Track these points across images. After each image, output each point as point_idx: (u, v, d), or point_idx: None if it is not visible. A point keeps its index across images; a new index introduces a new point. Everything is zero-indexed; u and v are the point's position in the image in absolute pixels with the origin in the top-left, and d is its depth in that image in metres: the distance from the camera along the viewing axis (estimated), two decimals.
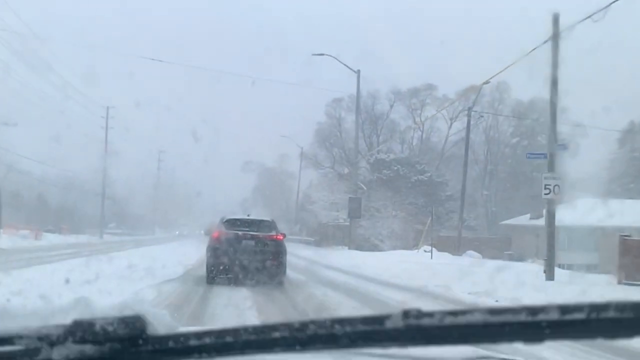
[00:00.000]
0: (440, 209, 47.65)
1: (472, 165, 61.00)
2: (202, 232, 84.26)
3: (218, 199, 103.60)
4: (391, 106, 58.68)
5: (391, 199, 42.47)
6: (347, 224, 41.67)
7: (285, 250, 15.44)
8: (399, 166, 48.13)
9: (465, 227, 44.28)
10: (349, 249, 39.27)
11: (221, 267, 14.85)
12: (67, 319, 1.28)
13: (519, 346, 1.00)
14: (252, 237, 15.13)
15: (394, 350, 1.63)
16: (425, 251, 34.17)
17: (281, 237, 15.79)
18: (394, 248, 37.25)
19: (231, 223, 15.83)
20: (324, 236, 48.78)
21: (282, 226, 59.60)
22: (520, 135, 59.68)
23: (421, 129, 57.39)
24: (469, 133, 36.21)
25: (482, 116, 34.57)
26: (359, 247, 39.18)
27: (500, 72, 28.17)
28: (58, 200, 78.34)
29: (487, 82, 30.54)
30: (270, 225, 16.09)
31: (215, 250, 15.02)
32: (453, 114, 57.19)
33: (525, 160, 60.72)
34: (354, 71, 39.53)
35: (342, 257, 30.88)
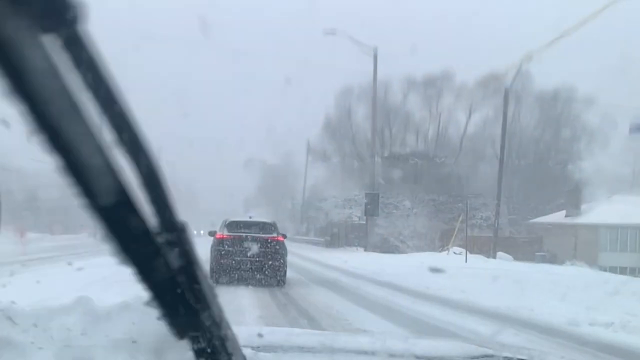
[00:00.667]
0: (462, 206, 43.07)
1: (492, 160, 56.33)
2: (202, 232, 79.51)
3: (219, 197, 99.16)
4: (405, 96, 54.05)
5: (409, 196, 37.81)
6: (363, 222, 37.04)
7: (285, 251, 15.71)
8: (416, 160, 43.46)
9: (489, 227, 39.70)
10: (366, 250, 34.65)
11: (224, 268, 15.14)
12: (69, 318, 1.34)
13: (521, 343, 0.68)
14: (254, 239, 15.37)
15: (396, 348, 1.79)
16: (455, 253, 29.55)
17: (282, 239, 16.03)
18: (418, 249, 32.60)
19: (233, 225, 16.07)
20: (335, 236, 44.09)
21: (287, 226, 55.20)
22: (543, 127, 55.04)
23: (438, 120, 52.69)
24: (507, 112, 31.46)
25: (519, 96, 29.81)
26: (377, 249, 34.57)
27: (552, 42, 23.70)
28: (54, 198, 73.75)
29: (529, 58, 25.94)
30: (271, 227, 16.42)
31: (218, 251, 15.29)
32: (472, 104, 52.52)
33: (548, 155, 56.34)
34: (370, 49, 34.90)
35: (362, 261, 26.24)
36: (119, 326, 1.35)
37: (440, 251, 31.01)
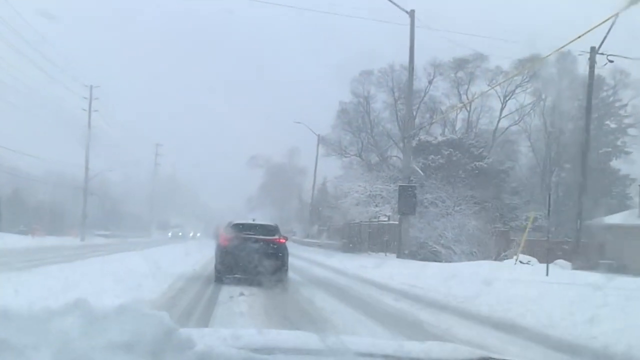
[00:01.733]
0: (499, 203, 35.87)
1: (528, 154, 49.19)
2: (199, 234, 72.06)
3: (221, 197, 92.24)
4: (430, 82, 46.93)
5: (447, 191, 30.65)
6: (393, 222, 29.95)
7: (287, 252, 15.90)
8: (450, 150, 36.30)
9: (536, 229, 32.59)
10: (399, 256, 27.49)
11: (228, 268, 15.33)
12: (67, 320, 1.33)
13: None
14: (257, 240, 15.63)
15: (393, 352, 1.86)
16: (522, 262, 22.44)
17: (283, 240, 16.17)
18: (467, 257, 25.39)
19: (237, 227, 16.34)
20: (355, 239, 36.85)
21: (295, 228, 48.61)
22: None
23: (468, 108, 45.54)
24: (592, 81, 24.33)
25: (611, 61, 22.76)
26: (412, 255, 27.43)
27: None
28: (40, 198, 66.87)
29: (634, 2, 18.77)
30: (273, 229, 16.58)
31: (222, 252, 15.47)
32: (507, 90, 45.37)
33: (591, 147, 49.30)
34: (406, 11, 27.75)
35: (411, 275, 19.02)
36: (116, 328, 1.31)
37: (500, 259, 23.81)
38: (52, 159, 55.56)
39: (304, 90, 79.52)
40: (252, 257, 14.87)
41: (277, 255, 15.46)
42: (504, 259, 23.61)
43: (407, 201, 27.07)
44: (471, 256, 25.01)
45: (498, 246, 25.35)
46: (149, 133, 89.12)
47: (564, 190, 46.97)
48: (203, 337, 1.60)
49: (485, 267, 21.06)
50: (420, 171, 28.11)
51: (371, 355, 1.81)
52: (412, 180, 28.31)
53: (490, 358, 1.98)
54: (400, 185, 27.77)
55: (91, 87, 53.25)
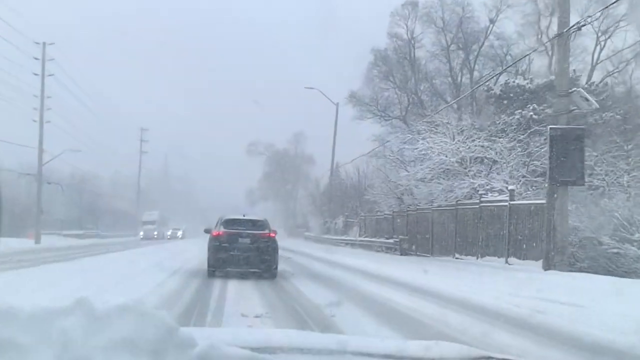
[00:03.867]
0: None
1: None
2: (180, 234, 57.59)
3: (218, 190, 78.65)
4: (492, 22, 33.09)
5: (600, 158, 16.56)
6: (518, 203, 16.05)
7: (277, 246, 15.75)
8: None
9: None
10: (549, 267, 13.56)
11: (220, 262, 15.26)
12: (69, 319, 1.29)
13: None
14: (247, 235, 15.66)
15: (393, 350, 1.71)
16: None
17: (273, 235, 16.08)
18: None
19: (229, 222, 16.31)
20: (421, 236, 22.51)
21: (310, 222, 34.98)
22: None
23: (549, 52, 31.64)
24: None
25: None
26: (571, 264, 13.48)
27: None
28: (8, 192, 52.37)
29: None
30: (263, 224, 16.60)
31: (215, 247, 15.41)
32: (603, 24, 31.40)
33: None
34: None
35: None
36: (118, 328, 1.30)
37: None
38: None
39: (313, 53, 65.74)
40: (243, 251, 15.07)
41: (267, 249, 15.22)
42: None
43: (569, 159, 13.14)
44: None
45: None
46: (133, 116, 75.13)
47: None
48: (204, 336, 1.51)
49: None
50: (594, 101, 13.69)
51: (370, 355, 1.69)
52: (574, 117, 14.24)
53: (492, 357, 1.81)
54: (551, 128, 13.71)
55: (44, 44, 39.04)
